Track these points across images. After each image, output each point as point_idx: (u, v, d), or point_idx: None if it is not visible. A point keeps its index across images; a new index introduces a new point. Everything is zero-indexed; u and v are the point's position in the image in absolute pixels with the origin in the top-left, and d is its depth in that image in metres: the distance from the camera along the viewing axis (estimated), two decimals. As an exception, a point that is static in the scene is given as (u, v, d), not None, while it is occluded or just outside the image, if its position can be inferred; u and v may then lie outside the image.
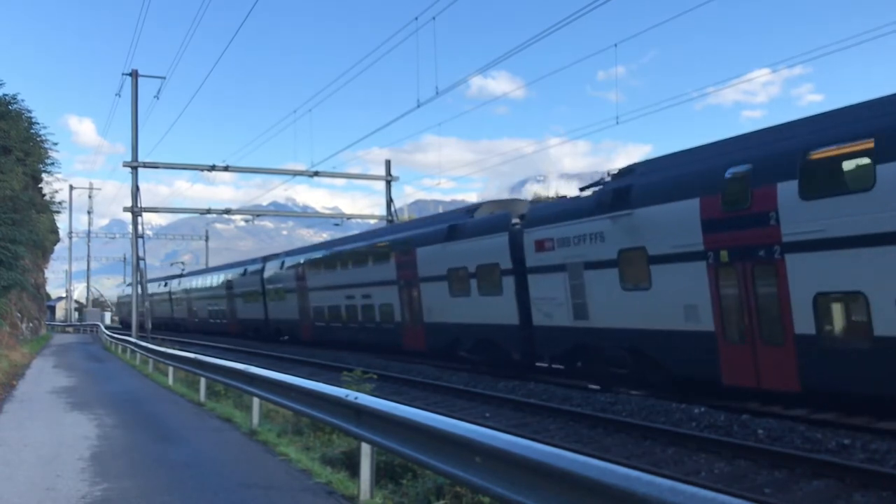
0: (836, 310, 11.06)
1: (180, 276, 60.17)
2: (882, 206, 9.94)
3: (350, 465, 7.49)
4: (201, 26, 29.17)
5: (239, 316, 42.06)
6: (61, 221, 53.99)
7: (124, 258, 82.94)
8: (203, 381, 13.97)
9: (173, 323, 56.21)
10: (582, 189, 16.82)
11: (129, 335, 34.44)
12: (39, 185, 37.76)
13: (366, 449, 6.38)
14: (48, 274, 59.71)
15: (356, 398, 6.62)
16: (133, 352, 26.37)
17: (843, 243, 10.50)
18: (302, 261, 32.79)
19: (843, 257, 10.49)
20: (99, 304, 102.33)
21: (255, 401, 10.20)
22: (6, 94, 30.44)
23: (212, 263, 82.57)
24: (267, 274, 36.80)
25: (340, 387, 8.05)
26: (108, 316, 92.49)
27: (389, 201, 39.61)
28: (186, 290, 53.85)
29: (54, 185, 39.33)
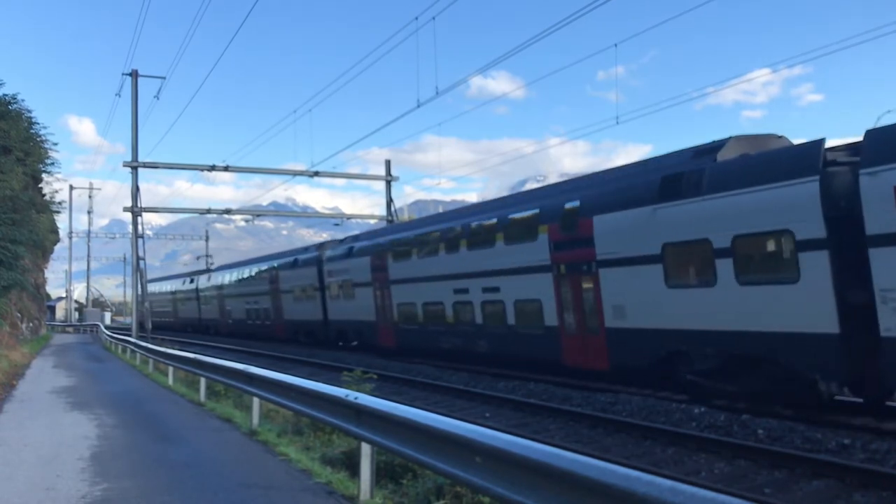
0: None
1: (207, 271, 54.51)
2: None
3: (350, 465, 7.49)
4: (201, 26, 29.18)
5: (287, 316, 35.19)
6: (61, 221, 53.99)
7: (124, 258, 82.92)
8: (203, 381, 13.97)
9: (201, 324, 50.92)
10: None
11: (140, 336, 34.41)
12: (39, 185, 37.78)
13: (366, 449, 6.38)
14: (48, 274, 59.62)
15: (356, 398, 6.62)
16: (133, 352, 26.37)
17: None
18: (382, 244, 25.55)
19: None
20: (99, 304, 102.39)
21: (255, 401, 10.20)
22: (6, 94, 30.48)
23: (212, 264, 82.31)
24: (328, 264, 30.25)
25: (340, 387, 8.05)
26: (108, 316, 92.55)
27: (389, 201, 39.61)
28: (218, 287, 46.75)
29: (54, 185, 39.41)
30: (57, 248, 56.36)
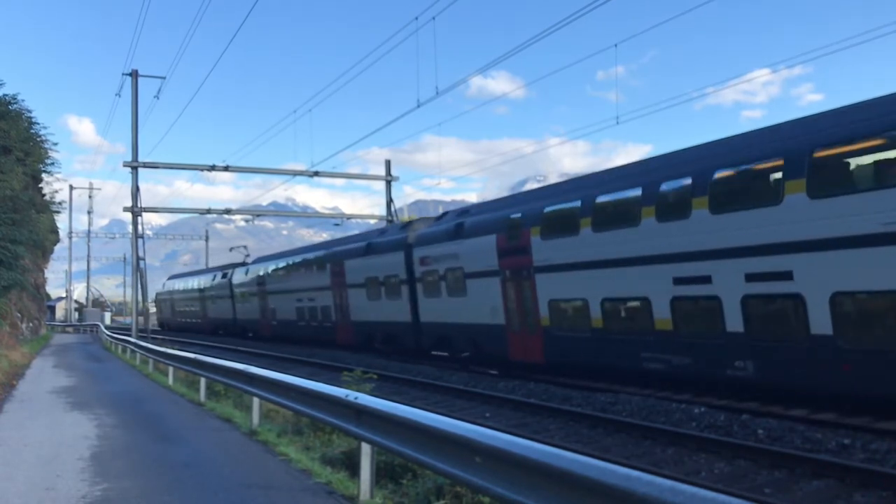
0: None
1: (243, 264, 45.75)
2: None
3: (350, 465, 7.49)
4: (201, 26, 29.17)
5: (356, 317, 27.40)
6: (61, 221, 53.97)
7: (124, 258, 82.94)
8: (203, 381, 13.97)
9: (237, 326, 43.16)
10: None
11: (140, 336, 34.37)
12: (39, 185, 37.80)
13: (366, 449, 6.38)
14: (48, 274, 59.52)
15: (356, 398, 6.62)
16: (133, 352, 26.37)
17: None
18: (521, 216, 17.98)
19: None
20: (99, 304, 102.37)
21: (255, 401, 10.20)
22: (6, 94, 30.52)
23: (212, 263, 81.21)
24: (421, 249, 22.55)
25: (340, 387, 8.05)
26: (108, 316, 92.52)
27: (389, 201, 39.62)
28: (259, 282, 38.69)
29: (54, 185, 39.43)
30: (57, 248, 56.35)
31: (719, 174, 12.84)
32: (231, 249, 56.68)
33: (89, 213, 75.07)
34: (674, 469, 8.98)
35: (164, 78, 35.58)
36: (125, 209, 34.68)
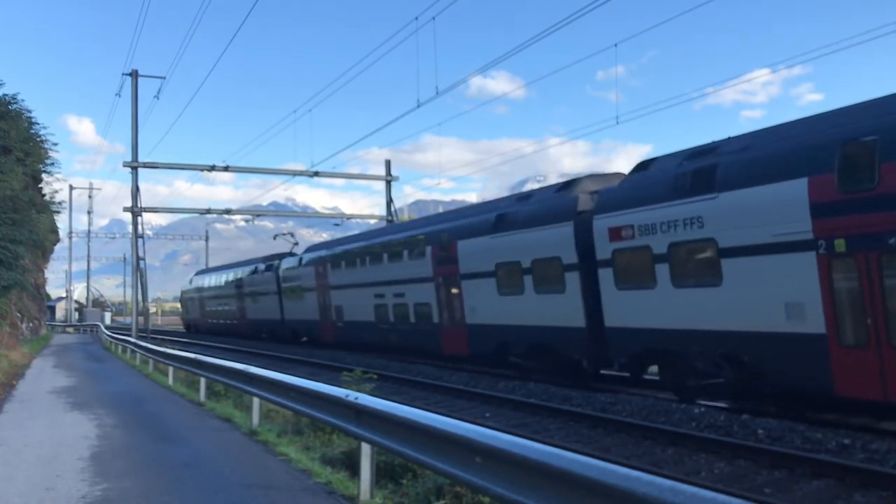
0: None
1: (291, 254, 37.69)
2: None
3: (350, 465, 7.49)
4: (201, 26, 29.18)
5: (474, 318, 19.94)
6: (61, 221, 53.96)
7: (124, 258, 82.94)
8: (203, 381, 13.97)
9: (286, 328, 35.43)
10: None
11: (140, 336, 34.37)
12: (39, 185, 37.81)
13: (366, 449, 6.38)
14: (48, 274, 59.50)
15: (356, 398, 6.63)
16: (133, 352, 26.37)
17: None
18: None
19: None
20: (99, 304, 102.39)
21: (255, 401, 10.20)
22: (6, 94, 30.52)
23: (212, 263, 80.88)
24: (616, 217, 14.76)
25: (340, 387, 8.05)
26: (108, 316, 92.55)
27: (389, 201, 39.63)
28: (318, 273, 30.56)
29: (54, 185, 39.47)
30: (57, 248, 56.36)
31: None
32: (276, 237, 44.61)
33: (89, 213, 75.13)
34: (674, 469, 8.98)
35: (164, 78, 35.62)
36: (125, 209, 34.70)
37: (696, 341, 12.84)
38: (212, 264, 70.18)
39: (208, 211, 41.19)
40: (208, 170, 37.09)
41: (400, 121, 35.29)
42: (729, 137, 13.50)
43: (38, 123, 34.02)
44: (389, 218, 38.94)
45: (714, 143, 13.70)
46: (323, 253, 31.07)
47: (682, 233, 13.00)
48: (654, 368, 14.79)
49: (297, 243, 41.28)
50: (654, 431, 11.02)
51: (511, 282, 18.03)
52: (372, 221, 43.23)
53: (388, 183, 39.82)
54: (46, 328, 54.78)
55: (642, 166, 15.12)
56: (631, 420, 11.87)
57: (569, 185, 17.95)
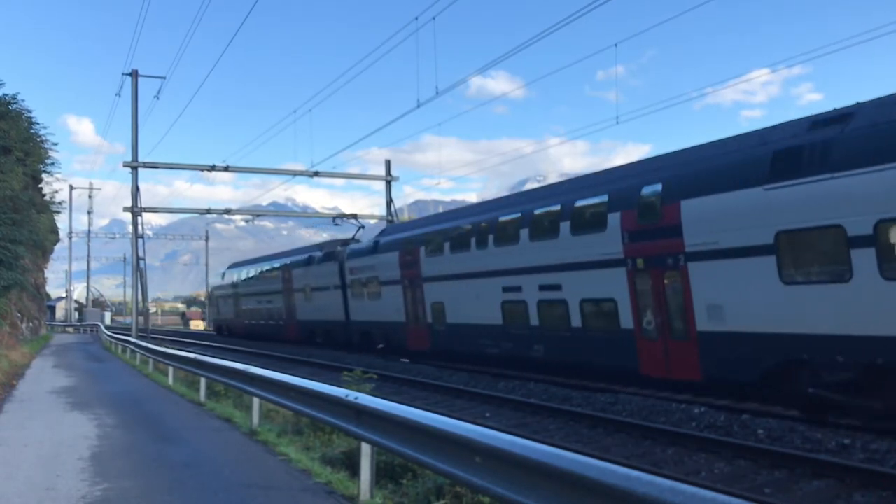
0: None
1: (352, 240, 32.12)
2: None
3: (350, 465, 7.49)
4: (201, 26, 29.18)
5: (710, 325, 12.85)
6: (61, 221, 53.94)
7: (124, 258, 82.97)
8: (203, 381, 13.97)
9: (351, 330, 28.28)
10: None
11: (140, 336, 34.36)
12: (39, 185, 37.82)
13: (366, 449, 6.38)
14: (48, 274, 59.46)
15: (356, 398, 6.62)
16: (133, 352, 26.37)
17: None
18: None
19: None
20: (99, 304, 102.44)
21: (255, 401, 10.20)
22: (6, 94, 30.52)
23: (212, 263, 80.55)
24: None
25: (340, 387, 8.05)
26: (108, 316, 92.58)
27: (389, 201, 39.61)
28: (408, 262, 23.52)
29: (54, 185, 39.48)
30: (57, 248, 56.35)
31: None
32: (335, 221, 35.51)
33: (89, 213, 75.16)
34: (674, 469, 8.98)
35: (164, 78, 35.66)
36: (125, 209, 34.70)
37: None
38: (212, 264, 69.97)
39: (208, 211, 41.17)
40: (208, 170, 37.08)
41: (400, 121, 35.21)
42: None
43: (38, 123, 34.07)
44: (389, 218, 38.94)
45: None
46: (412, 234, 23.92)
47: None
48: None
49: (363, 226, 34.36)
50: (654, 431, 11.03)
51: (816, 259, 11.14)
52: (372, 221, 43.22)
53: (388, 183, 39.80)
54: (46, 328, 54.79)
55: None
56: (631, 420, 11.88)
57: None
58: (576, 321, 15.94)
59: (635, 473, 3.42)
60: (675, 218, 13.10)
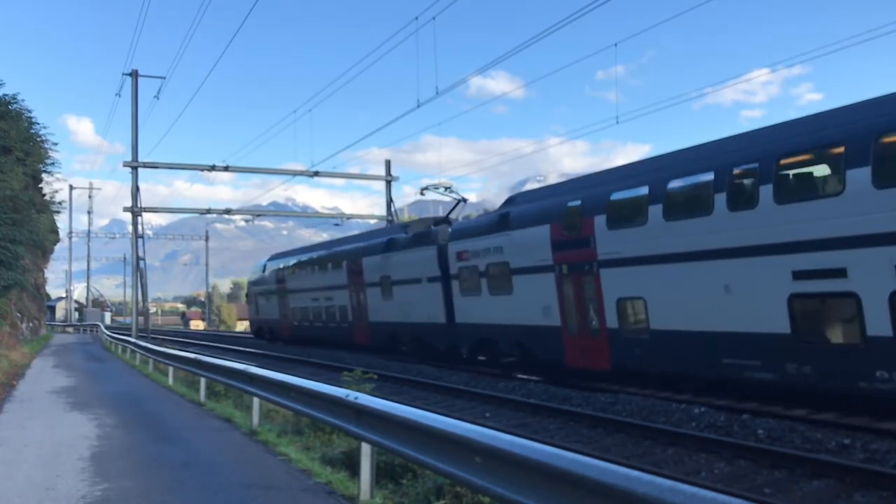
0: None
1: (445, 220, 24.22)
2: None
3: (350, 465, 7.49)
4: (201, 26, 29.19)
5: None
6: (61, 221, 53.95)
7: (124, 258, 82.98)
8: (203, 381, 13.97)
9: (456, 336, 21.30)
10: None
11: (140, 336, 34.34)
12: (39, 185, 37.82)
13: (366, 449, 6.38)
14: (48, 274, 59.51)
15: (356, 398, 6.63)
16: (133, 352, 26.37)
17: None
18: None
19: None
20: (99, 304, 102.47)
21: (255, 401, 10.20)
22: (6, 94, 30.52)
23: (212, 263, 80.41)
24: None
25: (340, 387, 8.05)
26: (108, 316, 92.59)
27: (389, 201, 39.63)
28: (571, 237, 16.21)
29: (54, 185, 39.49)
30: (57, 248, 56.37)
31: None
32: (422, 191, 26.30)
33: (89, 213, 75.19)
34: (674, 469, 8.98)
35: (164, 78, 35.68)
36: (125, 209, 34.71)
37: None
38: (212, 264, 69.72)
39: (208, 211, 41.19)
40: (208, 170, 37.09)
41: (400, 121, 35.18)
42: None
43: (38, 123, 34.06)
44: (389, 218, 38.96)
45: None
46: (575, 197, 16.61)
47: None
48: None
49: (462, 199, 24.78)
50: (654, 431, 11.02)
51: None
52: (372, 221, 43.20)
53: (389, 183, 39.82)
54: (46, 328, 54.79)
55: None
56: (631, 420, 11.87)
57: None
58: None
59: (635, 473, 3.42)
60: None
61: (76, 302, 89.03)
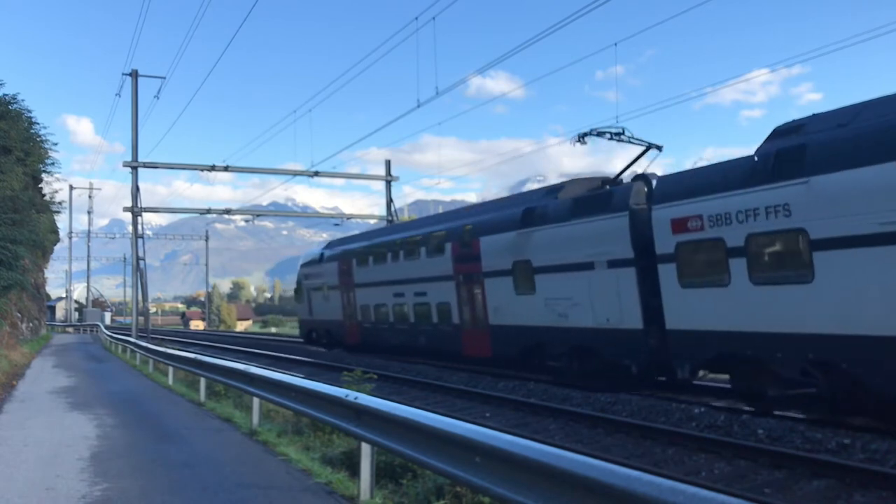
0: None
1: (641, 177, 15.04)
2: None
3: (350, 465, 7.49)
4: (201, 26, 29.16)
5: None
6: (61, 221, 53.92)
7: (124, 258, 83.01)
8: (203, 381, 13.97)
9: (668, 352, 13.26)
10: None
11: (140, 336, 34.31)
12: (39, 185, 37.80)
13: (366, 449, 6.38)
14: (48, 274, 59.49)
15: (356, 398, 6.63)
16: (133, 352, 26.37)
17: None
18: None
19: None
20: (99, 304, 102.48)
21: (255, 401, 10.20)
22: (6, 94, 30.48)
23: (212, 263, 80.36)
24: None
25: (340, 387, 8.05)
26: (108, 316, 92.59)
27: (389, 201, 39.62)
28: None
29: (54, 185, 39.46)
30: (57, 248, 56.34)
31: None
32: (582, 138, 17.28)
33: (89, 213, 75.22)
34: (674, 469, 8.98)
35: (164, 78, 35.63)
36: (125, 209, 34.69)
37: None
38: (212, 264, 69.62)
39: (208, 211, 41.16)
40: (208, 170, 37.07)
41: (400, 121, 35.14)
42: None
43: (38, 123, 34.03)
44: (390, 218, 38.95)
45: None
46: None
47: None
48: None
49: (657, 147, 16.96)
50: (654, 431, 11.02)
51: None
52: (372, 221, 43.18)
53: (388, 183, 39.81)
54: (46, 328, 54.78)
55: None
56: (631, 420, 11.88)
57: None
58: None
59: (635, 473, 3.42)
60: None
61: (76, 302, 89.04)
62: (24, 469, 7.71)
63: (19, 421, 11.42)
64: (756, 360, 11.74)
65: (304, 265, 33.07)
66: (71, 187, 69.81)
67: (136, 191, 34.31)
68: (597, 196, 16.08)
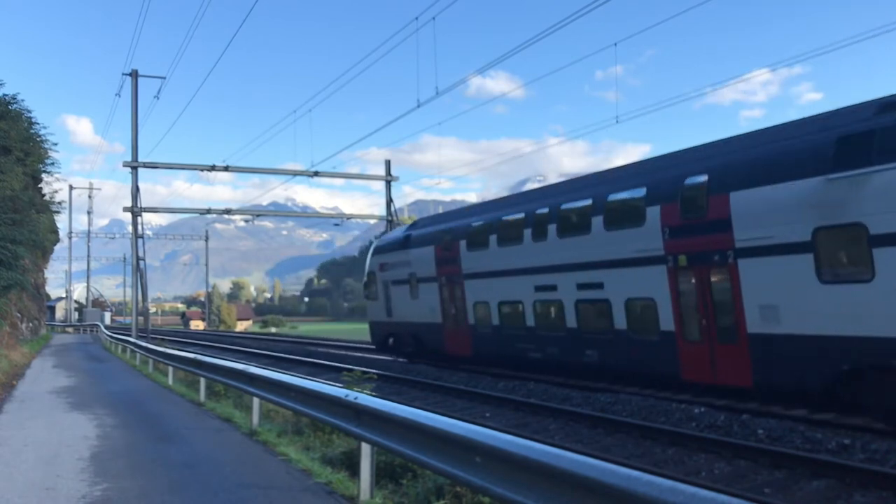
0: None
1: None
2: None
3: (350, 465, 7.49)
4: (201, 26, 29.16)
5: None
6: (61, 221, 53.91)
7: (124, 258, 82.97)
8: (203, 381, 13.97)
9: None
10: None
11: (140, 336, 34.31)
12: (39, 185, 37.81)
13: (366, 449, 6.38)
14: (48, 274, 59.44)
15: (356, 398, 6.62)
16: (133, 352, 26.37)
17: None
18: None
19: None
20: (99, 304, 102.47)
21: (255, 401, 10.20)
22: (6, 94, 30.48)
23: (212, 263, 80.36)
24: None
25: (340, 387, 8.05)
26: (107, 316, 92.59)
27: (389, 201, 39.62)
28: None
29: (54, 185, 39.47)
30: (57, 248, 56.33)
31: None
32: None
33: (89, 213, 75.22)
34: (674, 469, 8.98)
35: (164, 78, 35.64)
36: (125, 209, 34.69)
37: None
38: (212, 264, 69.63)
39: (208, 211, 41.15)
40: (208, 170, 37.06)
41: (400, 121, 35.13)
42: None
43: (37, 123, 34.04)
44: (390, 218, 38.96)
45: None
46: None
47: None
48: None
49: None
50: (654, 431, 11.02)
51: None
52: (372, 221, 43.21)
53: (388, 183, 39.81)
54: (46, 328, 54.77)
55: None
56: (631, 420, 11.87)
57: None
58: None
59: (635, 473, 3.41)
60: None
61: (76, 302, 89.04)
62: (24, 469, 7.71)
63: (19, 421, 11.42)
64: None
65: (379, 252, 25.47)
66: (71, 187, 69.86)
67: (135, 191, 34.30)
68: None
